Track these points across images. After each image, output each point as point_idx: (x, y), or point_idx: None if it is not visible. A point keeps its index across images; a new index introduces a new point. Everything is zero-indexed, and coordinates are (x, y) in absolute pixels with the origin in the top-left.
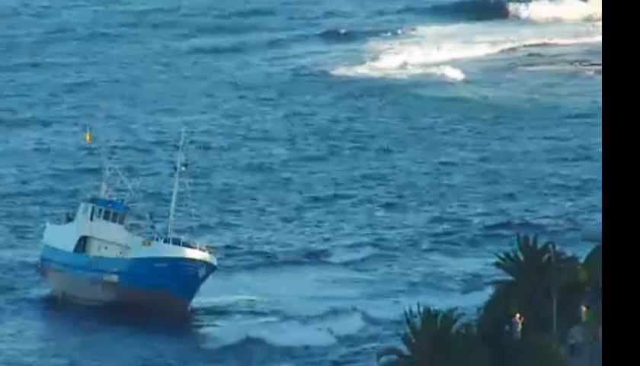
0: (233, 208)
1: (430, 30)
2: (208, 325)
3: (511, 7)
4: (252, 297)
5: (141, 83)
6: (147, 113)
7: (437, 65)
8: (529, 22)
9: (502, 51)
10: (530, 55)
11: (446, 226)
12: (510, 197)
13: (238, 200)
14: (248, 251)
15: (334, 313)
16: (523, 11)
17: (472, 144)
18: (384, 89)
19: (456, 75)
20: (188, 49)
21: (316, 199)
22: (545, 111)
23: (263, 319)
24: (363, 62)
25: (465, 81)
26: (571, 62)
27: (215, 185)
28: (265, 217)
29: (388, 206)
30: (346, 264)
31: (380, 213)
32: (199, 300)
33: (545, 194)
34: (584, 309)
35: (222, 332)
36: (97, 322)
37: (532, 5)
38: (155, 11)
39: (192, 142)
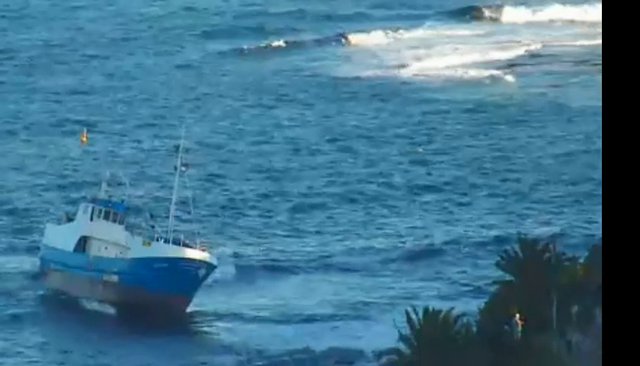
0: (249, 211)
1: (416, 33)
2: (226, 333)
3: (486, 10)
4: (271, 303)
5: (161, 86)
6: (164, 116)
7: (456, 67)
8: (506, 24)
9: (527, 52)
10: (542, 55)
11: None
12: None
13: (255, 203)
14: (266, 256)
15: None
16: (497, 14)
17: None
18: (399, 92)
19: (491, 75)
20: (207, 53)
21: (333, 201)
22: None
23: (294, 326)
24: (374, 65)
25: (504, 82)
26: (578, 62)
27: (229, 189)
28: (277, 221)
29: (421, 210)
30: (366, 268)
31: (402, 217)
32: (218, 307)
33: None
34: (575, 307)
35: (249, 341)
36: (112, 328)
37: (505, 9)
38: (172, 15)
39: (209, 145)
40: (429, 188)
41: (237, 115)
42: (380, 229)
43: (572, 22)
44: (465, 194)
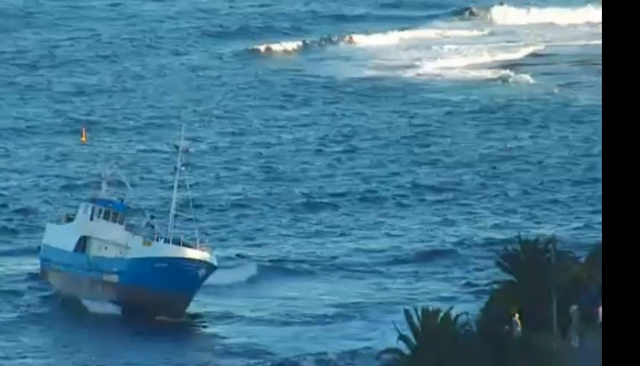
0: (255, 212)
1: (422, 34)
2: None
3: (476, 11)
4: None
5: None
6: (171, 117)
7: (463, 68)
8: (510, 26)
9: (534, 52)
10: (549, 55)
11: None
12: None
13: (262, 204)
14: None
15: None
16: (489, 14)
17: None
18: (407, 92)
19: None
20: (216, 54)
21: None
22: None
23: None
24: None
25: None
26: (584, 62)
27: (235, 190)
28: (284, 222)
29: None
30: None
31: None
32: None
33: None
34: (574, 307)
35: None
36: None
37: (508, 10)
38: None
39: (215, 146)
40: (438, 189)
41: (244, 116)
42: (387, 229)
43: (576, 24)
44: (474, 195)
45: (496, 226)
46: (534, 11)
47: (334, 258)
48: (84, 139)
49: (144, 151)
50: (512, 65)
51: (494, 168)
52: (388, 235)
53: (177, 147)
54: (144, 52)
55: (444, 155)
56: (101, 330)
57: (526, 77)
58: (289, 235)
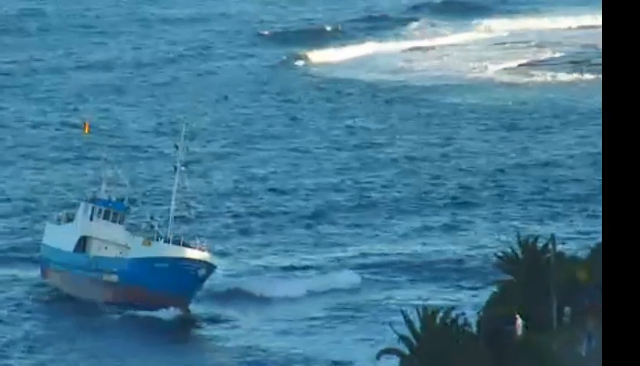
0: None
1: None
2: None
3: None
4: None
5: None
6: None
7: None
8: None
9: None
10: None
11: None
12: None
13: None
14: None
15: None
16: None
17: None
18: (423, 95)
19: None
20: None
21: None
22: None
23: None
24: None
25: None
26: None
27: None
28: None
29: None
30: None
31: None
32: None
33: None
34: (567, 309)
35: None
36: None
37: (518, 17)
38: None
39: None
40: (450, 195)
41: (256, 121)
42: (391, 233)
43: (584, 27)
44: (487, 199)
45: (505, 230)
46: (541, 16)
47: (342, 262)
48: (86, 130)
49: (152, 153)
50: (520, 67)
51: (505, 171)
52: (393, 239)
53: (176, 147)
54: (173, 58)
55: (456, 158)
56: (107, 331)
57: (538, 80)
58: (296, 243)
